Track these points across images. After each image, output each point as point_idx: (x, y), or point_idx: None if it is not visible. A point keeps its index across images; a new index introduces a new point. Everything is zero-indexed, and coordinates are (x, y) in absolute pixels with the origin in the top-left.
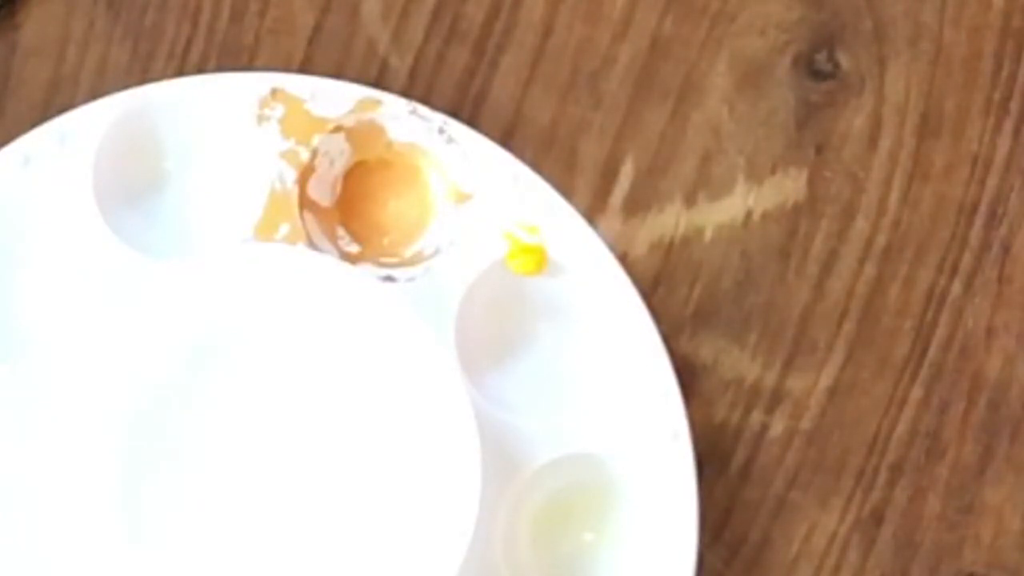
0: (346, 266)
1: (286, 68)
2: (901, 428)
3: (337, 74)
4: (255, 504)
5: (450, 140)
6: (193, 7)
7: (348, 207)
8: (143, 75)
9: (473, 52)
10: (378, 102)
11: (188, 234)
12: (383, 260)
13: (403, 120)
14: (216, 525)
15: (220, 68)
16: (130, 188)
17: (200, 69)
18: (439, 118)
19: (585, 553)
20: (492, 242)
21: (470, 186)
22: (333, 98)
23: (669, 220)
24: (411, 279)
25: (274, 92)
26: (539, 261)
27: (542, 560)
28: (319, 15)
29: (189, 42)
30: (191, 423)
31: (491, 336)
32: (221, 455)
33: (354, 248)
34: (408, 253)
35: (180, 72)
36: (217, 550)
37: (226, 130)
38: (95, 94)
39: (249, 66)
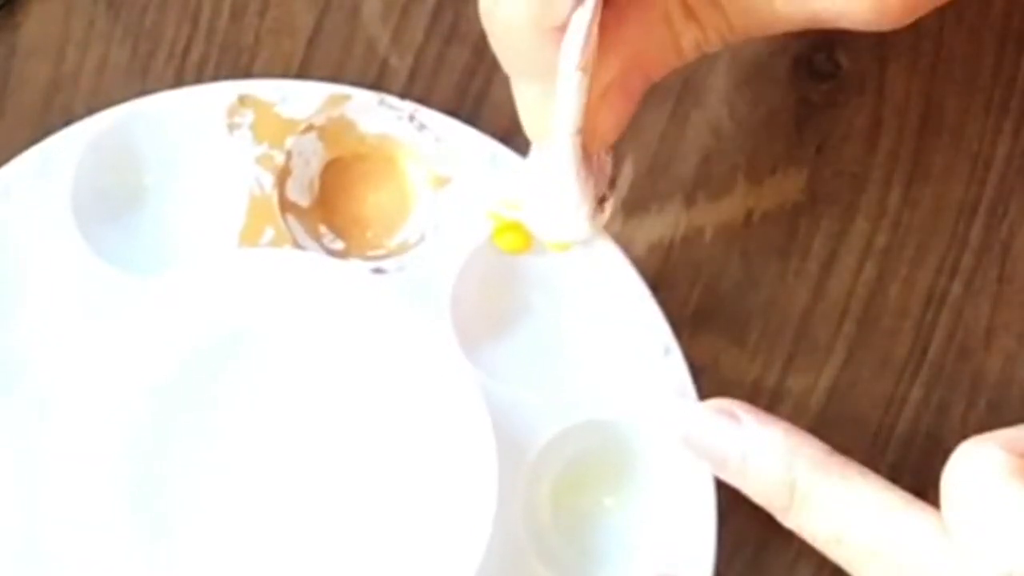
0: (336, 262)
1: (286, 68)
2: (901, 428)
3: (337, 74)
4: (273, 504)
5: (421, 127)
6: (193, 7)
7: (328, 205)
8: (143, 75)
9: (473, 52)
10: (346, 97)
11: (174, 250)
12: (370, 253)
13: (373, 112)
14: (234, 528)
15: (220, 68)
16: (111, 210)
17: (200, 69)
18: (408, 106)
19: (606, 518)
20: (477, 223)
21: (447, 170)
22: (301, 98)
23: (669, 220)
24: (401, 268)
25: (242, 99)
26: (526, 237)
27: (564, 530)
28: (319, 15)
29: (189, 42)
30: (200, 432)
31: (488, 315)
32: (233, 461)
33: (339, 245)
34: (393, 243)
35: (180, 72)
36: (234, 557)
37: (199, 143)
38: (95, 94)
39: (249, 66)
